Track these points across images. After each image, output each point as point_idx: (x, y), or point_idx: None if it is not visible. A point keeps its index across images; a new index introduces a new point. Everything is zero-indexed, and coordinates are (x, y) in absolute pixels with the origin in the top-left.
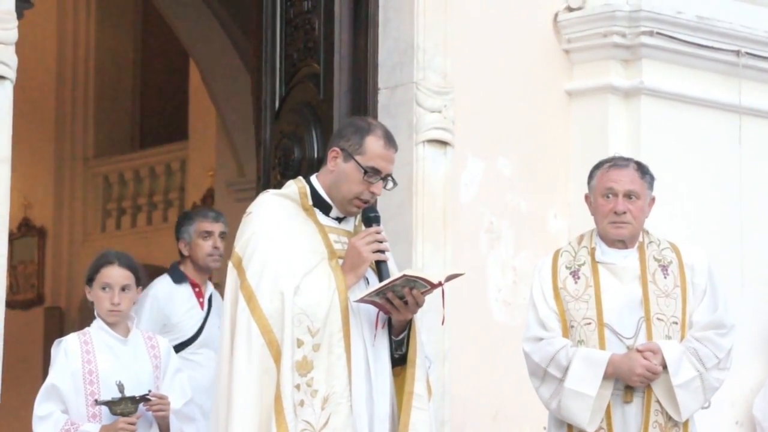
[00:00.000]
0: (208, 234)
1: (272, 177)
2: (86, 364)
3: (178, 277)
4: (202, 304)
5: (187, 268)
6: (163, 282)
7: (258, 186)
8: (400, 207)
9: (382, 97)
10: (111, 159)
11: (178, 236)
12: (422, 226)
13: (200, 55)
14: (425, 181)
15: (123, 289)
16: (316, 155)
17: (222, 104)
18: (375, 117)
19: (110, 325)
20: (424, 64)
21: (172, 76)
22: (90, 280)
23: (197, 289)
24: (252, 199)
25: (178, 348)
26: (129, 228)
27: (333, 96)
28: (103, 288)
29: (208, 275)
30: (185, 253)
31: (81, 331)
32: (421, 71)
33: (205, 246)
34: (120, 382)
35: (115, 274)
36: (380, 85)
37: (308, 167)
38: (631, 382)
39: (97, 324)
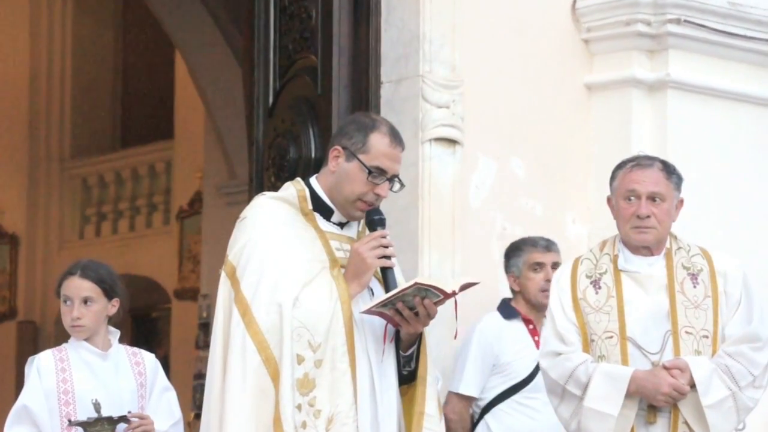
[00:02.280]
0: (539, 266)
1: (266, 179)
2: (61, 383)
3: (509, 313)
4: (537, 343)
5: (519, 305)
6: (492, 317)
7: (250, 189)
8: (405, 212)
9: (385, 92)
10: (90, 159)
11: (506, 270)
12: (428, 232)
13: (187, 46)
14: (432, 183)
15: (85, 301)
16: (313, 155)
17: (210, 100)
18: (377, 113)
19: (88, 339)
20: (431, 55)
21: (156, 70)
22: (58, 294)
23: (531, 327)
24: (244, 203)
25: (511, 391)
26: (109, 235)
27: (331, 91)
28: (65, 301)
29: (543, 311)
30: (515, 288)
31: (57, 347)
32: (427, 63)
33: (537, 279)
34: (96, 400)
35: (75, 286)
36: (383, 78)
37: (305, 168)
38: (656, 401)
39: (74, 339)
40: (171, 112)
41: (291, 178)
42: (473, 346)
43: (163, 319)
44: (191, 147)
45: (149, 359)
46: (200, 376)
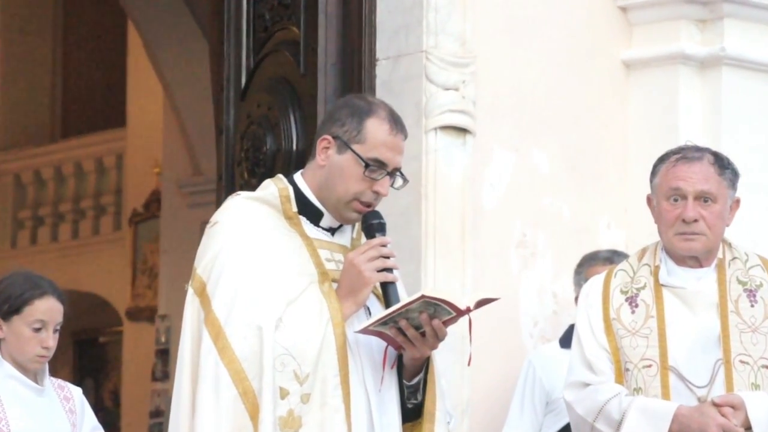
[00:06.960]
0: None
1: (237, 175)
2: None
3: (567, 340)
4: None
5: None
6: (547, 347)
7: (219, 187)
8: (405, 215)
9: (382, 71)
10: (24, 152)
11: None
12: (434, 238)
13: (141, 15)
14: (438, 180)
15: (55, 329)
16: (294, 146)
17: (170, 80)
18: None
19: (22, 370)
20: (436, 26)
21: (104, 44)
22: (10, 313)
23: None
24: (211, 204)
25: None
26: (48, 243)
27: (317, 69)
28: (36, 327)
29: None
30: None
31: None
32: (432, 36)
33: None
34: None
35: (53, 309)
36: (379, 54)
37: (285, 162)
38: None
39: (5, 370)
40: (122, 96)
41: (267, 173)
42: (521, 381)
43: (112, 345)
44: (147, 137)
45: (77, 394)
46: (158, 413)
